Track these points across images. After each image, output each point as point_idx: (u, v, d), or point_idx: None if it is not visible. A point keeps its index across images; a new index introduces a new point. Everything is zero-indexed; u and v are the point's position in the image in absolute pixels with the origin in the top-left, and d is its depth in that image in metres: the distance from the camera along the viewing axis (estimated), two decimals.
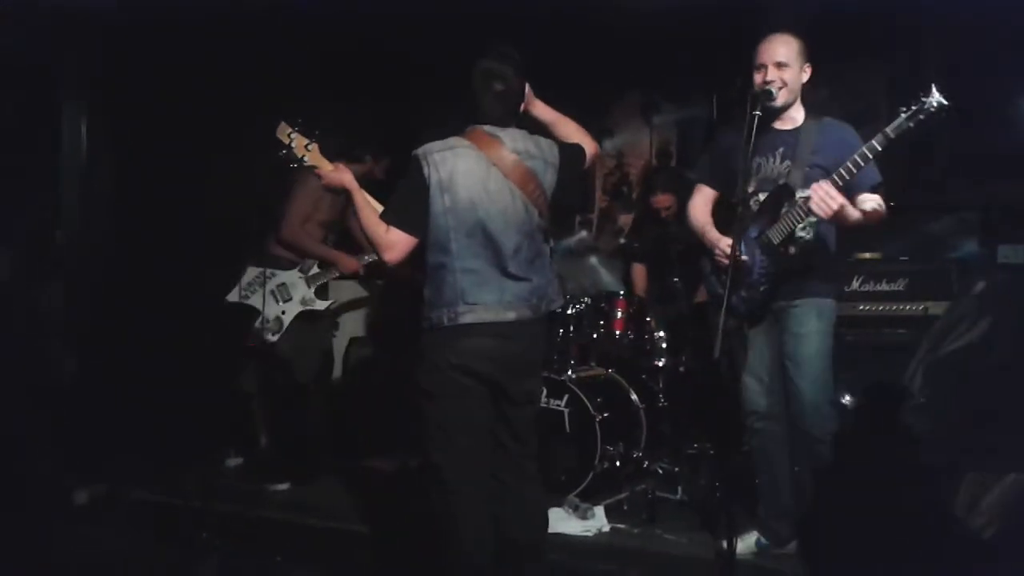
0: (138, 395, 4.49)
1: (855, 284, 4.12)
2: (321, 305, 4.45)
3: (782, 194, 3.09)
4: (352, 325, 5.34)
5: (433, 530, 2.78)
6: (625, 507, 3.87)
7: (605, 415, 4.02)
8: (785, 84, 3.07)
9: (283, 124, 2.86)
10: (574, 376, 4.18)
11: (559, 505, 3.72)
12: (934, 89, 2.68)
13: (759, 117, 2.91)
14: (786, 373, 3.15)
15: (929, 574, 2.72)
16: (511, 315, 2.75)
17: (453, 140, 2.79)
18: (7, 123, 4.61)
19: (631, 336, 4.47)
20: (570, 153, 2.93)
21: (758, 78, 3.09)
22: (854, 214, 2.96)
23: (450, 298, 2.72)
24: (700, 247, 3.40)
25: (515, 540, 2.82)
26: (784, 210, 3.08)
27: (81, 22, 4.61)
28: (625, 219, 5.84)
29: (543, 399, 4.06)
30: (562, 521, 3.63)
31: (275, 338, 4.33)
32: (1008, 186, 4.15)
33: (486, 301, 2.72)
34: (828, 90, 3.33)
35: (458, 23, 4.33)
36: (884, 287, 4.09)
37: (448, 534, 2.74)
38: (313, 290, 4.43)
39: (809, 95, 3.23)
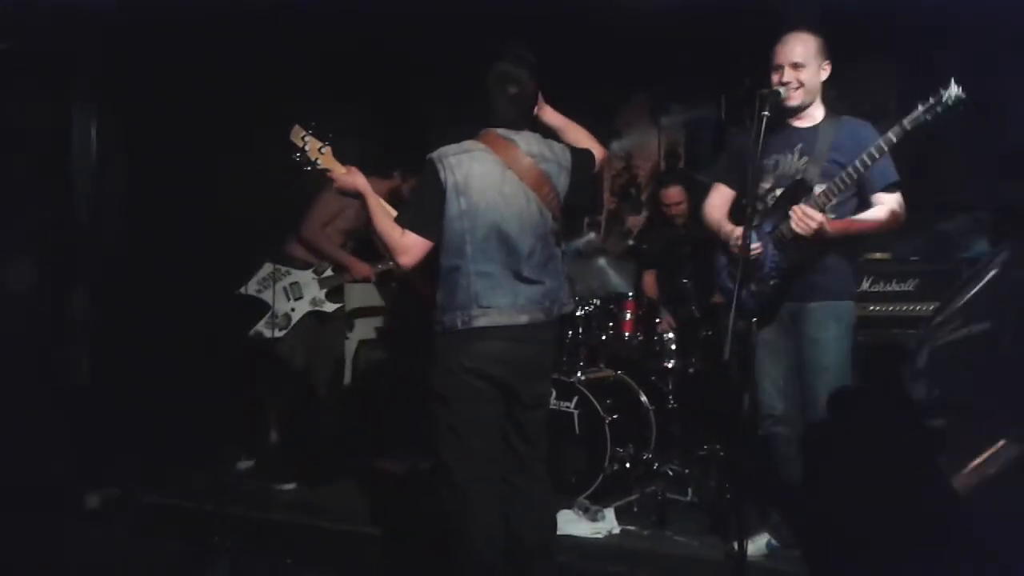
0: (148, 397, 4.50)
1: (865, 285, 4.08)
2: (330, 307, 4.49)
3: (798, 189, 3.06)
4: (362, 328, 5.37)
5: (443, 531, 2.78)
6: (635, 509, 3.87)
7: (615, 417, 4.02)
8: (802, 84, 3.05)
9: (297, 127, 2.85)
10: (583, 378, 4.18)
11: (569, 507, 3.71)
12: (953, 82, 2.66)
13: (776, 115, 2.91)
14: (804, 379, 3.12)
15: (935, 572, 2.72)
16: (524, 318, 2.76)
17: (468, 143, 2.79)
18: (17, 125, 4.64)
19: (640, 337, 4.47)
20: (582, 157, 2.95)
21: (775, 78, 3.07)
22: (834, 232, 2.95)
23: (464, 301, 2.72)
24: (713, 245, 3.40)
25: (524, 541, 2.83)
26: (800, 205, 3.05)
27: (89, 23, 4.63)
28: (634, 221, 5.83)
29: (552, 401, 4.07)
30: (572, 523, 3.63)
31: (281, 334, 4.38)
32: (1021, 185, 4.12)
33: (500, 304, 2.73)
34: (837, 89, 3.29)
35: (466, 25, 4.34)
36: (894, 287, 4.06)
37: (459, 535, 2.74)
38: (324, 292, 4.48)
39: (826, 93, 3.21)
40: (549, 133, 2.99)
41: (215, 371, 4.69)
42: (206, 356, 4.73)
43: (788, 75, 3.05)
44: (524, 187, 2.78)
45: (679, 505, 3.88)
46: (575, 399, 4.07)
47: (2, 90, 4.52)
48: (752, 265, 3.06)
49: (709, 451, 4.09)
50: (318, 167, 2.86)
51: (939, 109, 2.69)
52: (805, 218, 2.90)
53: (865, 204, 3.07)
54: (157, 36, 4.57)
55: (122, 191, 4.98)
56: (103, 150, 4.90)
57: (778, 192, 3.15)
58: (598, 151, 3.03)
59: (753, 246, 3.06)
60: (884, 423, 2.91)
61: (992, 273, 3.27)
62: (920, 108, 2.72)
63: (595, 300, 4.53)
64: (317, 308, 4.46)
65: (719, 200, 3.38)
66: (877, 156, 2.84)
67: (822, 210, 2.93)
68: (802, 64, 3.04)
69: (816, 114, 3.14)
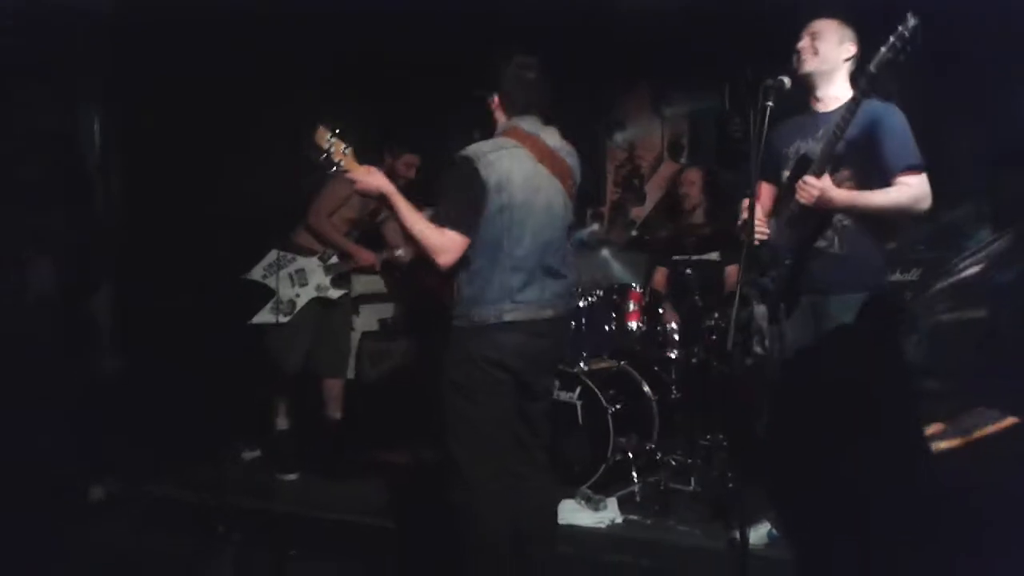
0: (152, 389, 4.52)
1: None
2: (335, 294, 4.55)
3: (801, 165, 3.00)
4: (365, 320, 5.38)
5: (449, 522, 2.78)
6: (638, 499, 3.87)
7: (617, 407, 4.03)
8: (817, 52, 3.00)
9: (322, 128, 2.80)
10: (586, 368, 4.18)
11: (572, 497, 3.72)
12: (909, 15, 2.61)
13: (788, 104, 2.88)
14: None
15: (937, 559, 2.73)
16: (548, 312, 2.80)
17: (501, 140, 2.81)
18: (22, 126, 4.66)
19: (643, 328, 4.47)
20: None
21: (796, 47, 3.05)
22: (841, 201, 2.87)
23: (497, 296, 2.74)
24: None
25: (528, 530, 2.84)
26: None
27: (91, 22, 4.64)
28: (637, 211, 5.83)
29: (556, 391, 4.08)
30: (575, 513, 3.64)
31: (285, 319, 4.43)
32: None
33: (530, 299, 2.76)
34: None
35: (468, 14, 4.34)
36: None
37: (468, 527, 2.74)
38: (330, 279, 4.53)
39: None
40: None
41: (220, 361, 4.71)
42: (210, 346, 4.75)
43: (805, 42, 3.02)
44: (554, 181, 2.83)
45: (681, 495, 3.89)
46: (578, 389, 4.08)
47: (6, 89, 4.54)
48: (764, 253, 3.05)
49: (712, 441, 4.08)
50: (340, 168, 2.82)
51: (899, 44, 2.63)
52: (806, 187, 2.86)
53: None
54: (158, 31, 4.58)
55: (125, 189, 5.00)
56: (107, 142, 4.92)
57: None
58: None
59: (762, 231, 3.04)
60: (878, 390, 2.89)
61: (986, 260, 3.29)
62: (883, 49, 2.67)
63: (598, 291, 4.52)
64: (322, 294, 4.52)
65: (759, 196, 3.25)
66: (852, 110, 2.76)
67: (820, 176, 2.86)
68: (819, 34, 3.00)
69: (841, 97, 3.04)
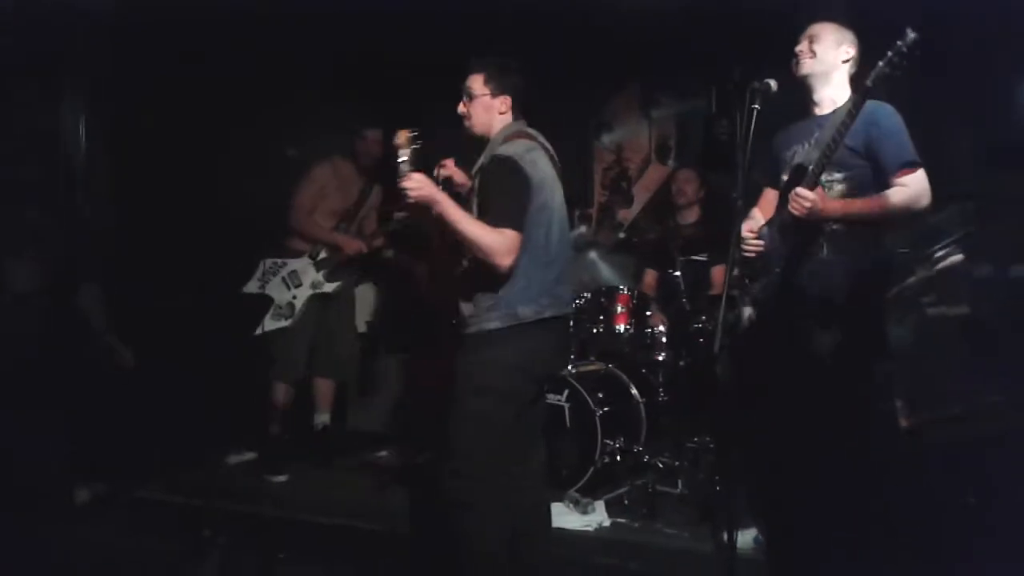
0: (141, 391, 4.50)
1: None
2: (330, 287, 4.58)
3: (796, 174, 2.99)
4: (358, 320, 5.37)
5: (451, 524, 2.78)
6: (625, 501, 3.88)
7: (605, 410, 4.03)
8: (814, 55, 2.99)
9: (405, 132, 2.79)
10: (574, 371, 4.19)
11: (560, 500, 3.73)
12: (908, 31, 2.60)
13: (782, 107, 2.88)
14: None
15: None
16: (567, 309, 2.95)
17: (527, 142, 2.87)
18: (6, 125, 4.63)
19: (631, 331, 4.47)
20: None
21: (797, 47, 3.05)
22: (831, 211, 2.85)
23: (537, 292, 2.79)
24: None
25: (520, 532, 2.86)
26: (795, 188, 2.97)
27: (77, 19, 4.61)
28: (624, 214, 5.84)
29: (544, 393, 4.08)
30: (562, 516, 3.64)
31: (289, 323, 4.47)
32: (1009, 177, 4.14)
33: (562, 295, 2.88)
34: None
35: (454, 17, 4.34)
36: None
37: (468, 527, 2.74)
38: (323, 274, 4.56)
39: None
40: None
41: (210, 363, 4.69)
42: (201, 348, 4.73)
43: (803, 45, 3.02)
44: (559, 181, 2.93)
45: (669, 497, 3.90)
46: (566, 392, 4.08)
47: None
48: (755, 260, 3.06)
49: (699, 444, 4.09)
50: (402, 173, 2.78)
51: (896, 60, 2.62)
52: (797, 198, 2.84)
53: (886, 189, 2.90)
54: (146, 30, 4.56)
55: (110, 189, 4.98)
56: (91, 148, 4.89)
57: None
58: None
59: (756, 242, 3.05)
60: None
61: (958, 256, 3.35)
62: (880, 64, 2.66)
63: (586, 293, 4.53)
64: (317, 290, 4.55)
65: (763, 202, 3.29)
66: (849, 122, 2.75)
67: (813, 188, 2.84)
68: (817, 36, 3.00)
69: (838, 100, 3.03)
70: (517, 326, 2.76)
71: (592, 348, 4.56)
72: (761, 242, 3.05)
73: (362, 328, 5.37)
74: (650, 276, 4.93)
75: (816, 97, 3.06)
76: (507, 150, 2.79)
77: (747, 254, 3.04)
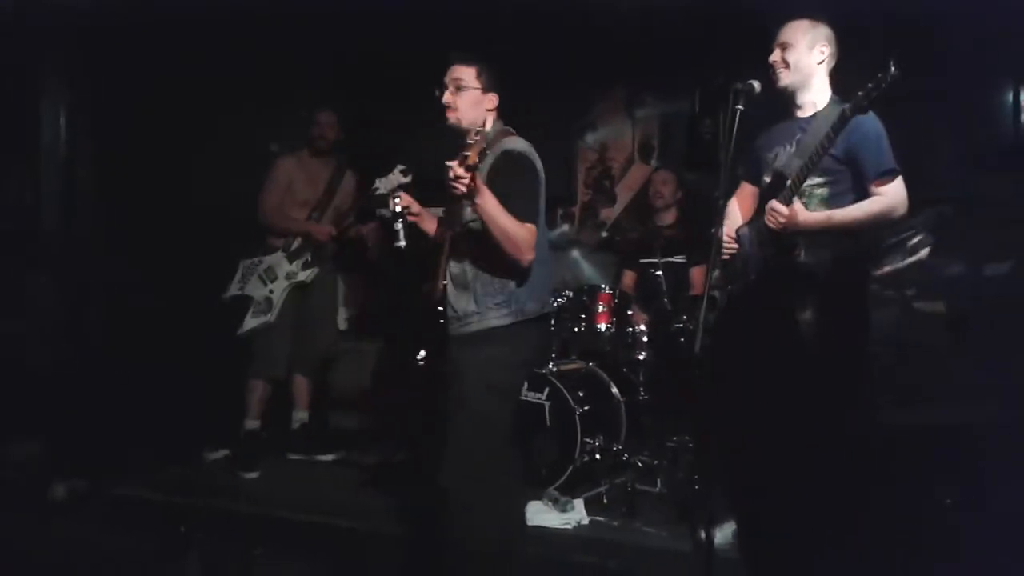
0: (119, 388, 4.47)
1: None
2: (305, 275, 4.57)
3: (776, 182, 3.01)
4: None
5: (446, 526, 2.76)
6: (605, 500, 3.88)
7: (585, 408, 4.03)
8: (787, 65, 3.00)
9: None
10: (555, 369, 4.18)
11: (539, 498, 3.72)
12: (891, 65, 2.61)
13: (767, 108, 2.93)
14: None
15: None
16: (553, 306, 3.01)
17: (523, 140, 2.88)
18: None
19: (612, 330, 4.48)
20: None
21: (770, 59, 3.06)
22: (809, 224, 2.87)
23: (540, 288, 2.84)
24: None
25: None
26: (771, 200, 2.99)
27: (59, 17, 4.58)
28: (607, 213, 5.85)
29: (523, 392, 4.07)
30: (541, 514, 3.64)
31: (269, 318, 4.47)
32: (987, 179, 4.17)
33: (549, 291, 2.94)
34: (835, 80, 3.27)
35: (440, 17, 4.33)
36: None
37: (471, 529, 2.71)
38: (297, 264, 4.56)
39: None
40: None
41: (188, 359, 4.66)
42: (178, 345, 4.71)
43: (776, 55, 3.02)
44: None
45: (648, 496, 3.90)
46: (546, 390, 4.08)
47: None
48: (734, 263, 3.07)
49: (678, 443, 4.10)
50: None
51: (874, 93, 2.65)
52: (771, 212, 2.88)
53: (865, 197, 2.92)
54: (128, 28, 4.54)
55: (92, 184, 4.95)
56: (72, 143, 4.86)
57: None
58: None
59: (731, 245, 3.08)
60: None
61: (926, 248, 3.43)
62: (860, 94, 2.69)
63: (568, 292, 4.53)
64: (292, 280, 4.54)
65: (741, 196, 3.32)
66: (827, 144, 2.78)
67: (789, 202, 2.86)
68: (790, 44, 2.99)
69: (819, 102, 3.04)
70: (523, 322, 2.78)
71: (573, 347, 4.56)
72: (736, 246, 3.08)
73: (343, 325, 5.35)
74: (628, 276, 4.93)
75: (798, 101, 3.07)
76: (517, 146, 2.80)
77: (724, 256, 3.06)
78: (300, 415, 4.70)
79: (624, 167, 5.83)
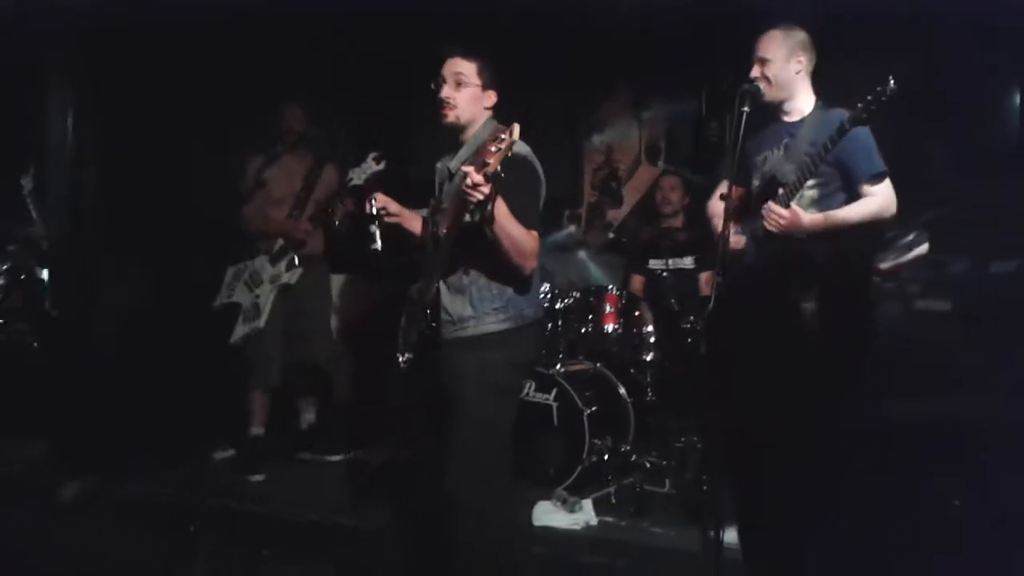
0: (125, 389, 4.48)
1: None
2: (289, 276, 4.44)
3: (769, 186, 3.07)
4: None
5: (452, 528, 2.74)
6: (613, 500, 3.88)
7: (593, 409, 4.04)
8: (769, 80, 3.05)
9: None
10: (562, 370, 4.19)
11: (547, 499, 3.72)
12: (891, 80, 2.65)
13: (760, 111, 2.96)
14: None
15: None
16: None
17: (521, 141, 2.72)
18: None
19: (620, 330, 4.48)
20: None
21: (752, 74, 3.10)
22: (811, 226, 2.92)
23: (534, 293, 2.82)
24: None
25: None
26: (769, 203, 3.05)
27: (66, 17, 4.59)
28: (614, 214, 5.85)
29: (531, 393, 4.09)
30: (550, 514, 3.64)
31: (258, 323, 4.37)
32: (973, 186, 4.18)
33: (539, 292, 2.91)
34: (832, 80, 3.30)
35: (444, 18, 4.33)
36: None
37: (476, 532, 2.69)
38: (281, 265, 4.45)
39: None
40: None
41: (197, 361, 4.67)
42: (185, 346, 4.72)
43: (756, 71, 3.07)
44: None
45: (657, 497, 3.90)
46: (554, 391, 4.08)
47: None
48: (736, 260, 3.09)
49: (687, 443, 4.10)
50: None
51: (874, 107, 2.70)
52: (772, 215, 2.93)
53: (855, 199, 3.00)
54: (133, 30, 4.55)
55: (97, 184, 4.96)
56: (79, 143, 4.88)
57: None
58: None
59: (736, 238, 3.09)
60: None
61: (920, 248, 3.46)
62: (859, 106, 2.73)
63: (575, 293, 4.53)
64: (277, 283, 4.43)
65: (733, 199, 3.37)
66: (824, 154, 2.84)
67: (787, 205, 2.92)
68: (768, 59, 3.05)
69: (804, 107, 3.11)
70: (522, 327, 2.76)
71: (580, 348, 4.56)
72: (740, 239, 3.12)
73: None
74: (636, 280, 4.93)
75: (784, 108, 3.14)
76: (519, 150, 2.65)
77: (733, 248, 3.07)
78: (307, 416, 4.70)
79: (631, 168, 5.84)
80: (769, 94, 3.07)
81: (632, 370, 4.44)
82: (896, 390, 3.42)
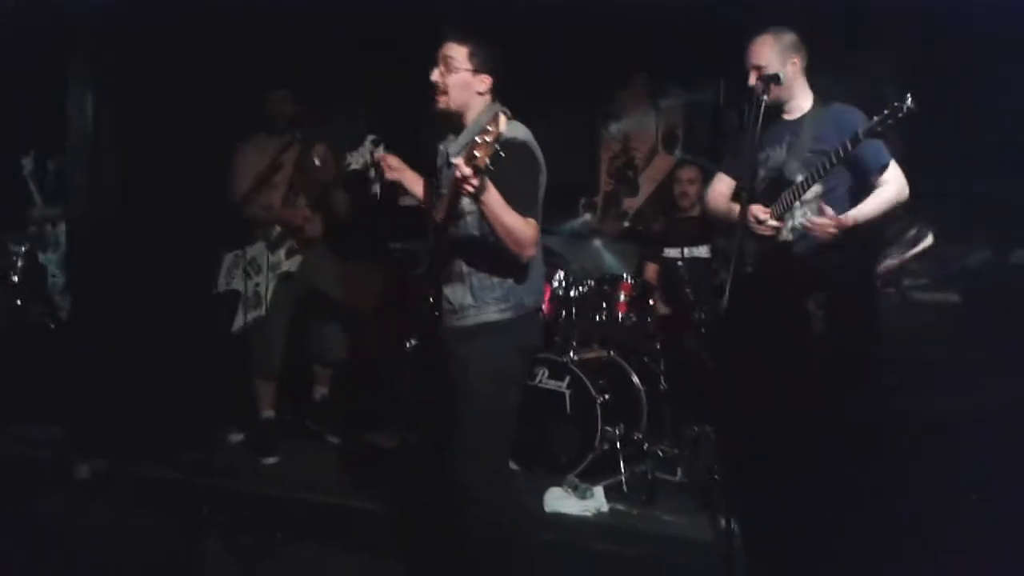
0: (141, 371, 4.51)
1: None
2: (289, 264, 4.44)
3: (777, 183, 3.13)
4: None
5: (460, 517, 2.73)
6: (624, 488, 3.87)
7: (606, 397, 4.03)
8: (773, 80, 3.07)
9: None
10: (576, 358, 4.19)
11: (559, 485, 3.73)
12: (909, 97, 2.70)
13: (768, 107, 2.99)
14: None
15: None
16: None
17: (523, 126, 2.72)
18: (15, 104, 4.65)
19: (634, 319, 4.47)
20: None
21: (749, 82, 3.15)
22: (852, 223, 2.97)
23: (537, 282, 2.81)
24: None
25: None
26: (779, 198, 3.13)
27: (59, 16, 4.61)
28: (630, 202, 5.84)
29: (544, 380, 4.09)
30: (561, 501, 3.64)
31: (259, 312, 4.36)
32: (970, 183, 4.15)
33: (542, 280, 2.87)
34: (832, 74, 3.32)
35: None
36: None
37: (484, 521, 2.69)
38: (281, 252, 4.44)
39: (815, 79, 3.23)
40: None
41: (208, 345, 4.69)
42: (200, 330, 4.74)
43: (752, 79, 3.12)
44: None
45: (668, 485, 3.90)
46: (567, 378, 4.08)
47: None
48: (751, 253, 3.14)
49: (699, 432, 4.09)
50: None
51: (889, 121, 2.75)
52: (819, 226, 2.98)
53: (867, 190, 3.07)
54: (153, 18, 4.56)
55: (118, 169, 4.98)
56: (100, 129, 4.90)
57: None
58: None
59: (773, 223, 3.13)
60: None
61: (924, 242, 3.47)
62: (875, 119, 2.79)
63: (589, 281, 4.53)
64: (277, 271, 4.42)
65: (724, 188, 3.42)
66: (835, 160, 2.91)
67: (793, 203, 3.04)
68: (763, 66, 3.09)
69: (803, 105, 3.19)
70: (522, 316, 2.75)
71: (594, 335, 4.56)
72: (772, 232, 3.13)
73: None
74: (651, 268, 4.92)
75: (784, 107, 3.20)
76: (517, 133, 2.63)
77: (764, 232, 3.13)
78: (321, 390, 4.71)
79: (648, 157, 5.82)
80: (770, 98, 3.07)
81: (646, 358, 4.43)
82: (900, 384, 3.42)
